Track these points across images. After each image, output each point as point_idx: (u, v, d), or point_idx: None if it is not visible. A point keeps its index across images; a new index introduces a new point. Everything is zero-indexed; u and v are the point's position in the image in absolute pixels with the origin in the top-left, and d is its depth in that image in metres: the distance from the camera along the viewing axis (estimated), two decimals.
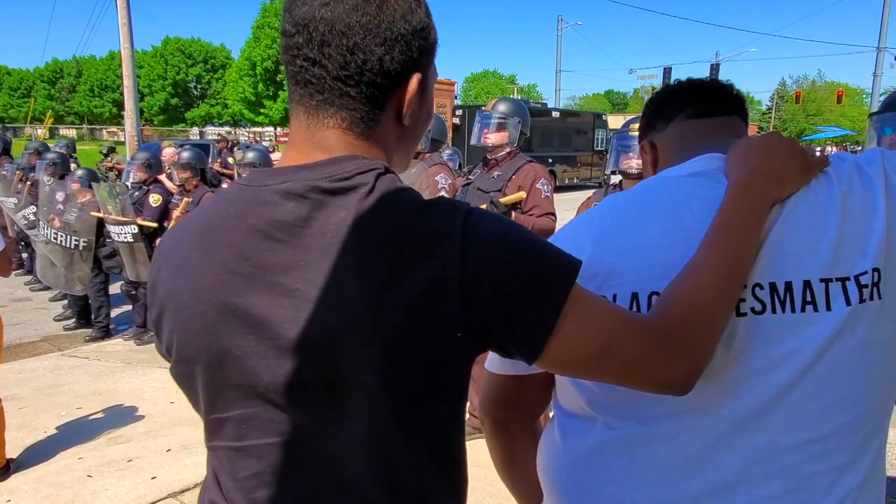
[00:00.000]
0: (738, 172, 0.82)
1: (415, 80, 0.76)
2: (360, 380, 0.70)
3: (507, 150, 3.19)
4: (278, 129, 40.58)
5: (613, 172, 2.80)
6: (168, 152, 7.73)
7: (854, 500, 0.81)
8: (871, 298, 0.79)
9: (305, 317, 0.69)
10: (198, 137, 38.92)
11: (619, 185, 2.85)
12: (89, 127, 46.51)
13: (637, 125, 2.72)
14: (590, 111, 29.73)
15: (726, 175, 0.84)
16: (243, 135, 39.01)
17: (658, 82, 39.53)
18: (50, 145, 8.71)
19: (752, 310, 0.79)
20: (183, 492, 3.09)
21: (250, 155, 4.99)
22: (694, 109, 1.00)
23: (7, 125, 38.04)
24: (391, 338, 0.68)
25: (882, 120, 2.20)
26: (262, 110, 37.72)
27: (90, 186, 5.81)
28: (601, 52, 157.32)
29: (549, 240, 0.82)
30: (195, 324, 0.75)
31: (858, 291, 0.79)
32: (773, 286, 0.79)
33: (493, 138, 3.17)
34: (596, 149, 23.69)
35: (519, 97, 40.12)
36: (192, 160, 5.33)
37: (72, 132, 46.87)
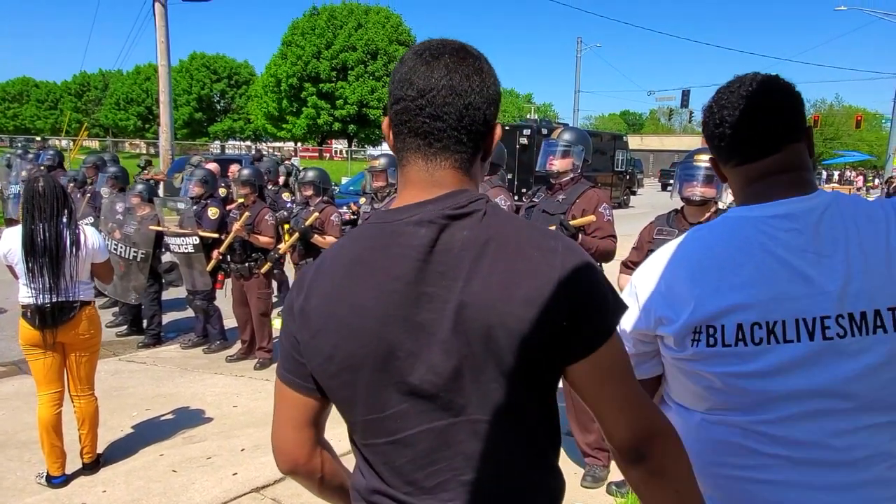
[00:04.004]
0: None
1: (498, 128, 1.01)
2: (494, 363, 0.90)
3: (571, 175, 3.43)
4: (299, 143, 41.23)
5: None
6: (213, 167, 8.05)
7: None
8: None
9: (447, 315, 0.90)
10: (219, 151, 39.61)
11: (681, 211, 3.06)
12: (113, 140, 47.41)
13: (700, 156, 2.96)
14: (610, 132, 29.96)
15: None
16: (265, 149, 39.71)
17: (676, 104, 39.72)
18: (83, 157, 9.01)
19: (838, 335, 1.04)
20: (265, 487, 3.32)
21: (310, 174, 5.27)
22: (742, 157, 1.16)
23: (32, 136, 38.98)
24: (516, 325, 0.88)
25: None
26: (284, 125, 38.33)
27: (150, 200, 6.12)
28: (619, 73, 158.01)
29: (661, 267, 1.13)
30: (361, 337, 0.92)
31: None
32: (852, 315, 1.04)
33: (558, 165, 3.41)
34: (616, 169, 23.87)
35: (536, 117, 40.45)
36: (252, 177, 5.62)
37: (95, 143, 47.86)
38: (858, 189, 33.65)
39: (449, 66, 0.94)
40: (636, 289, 1.19)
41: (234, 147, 48.50)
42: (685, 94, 38.73)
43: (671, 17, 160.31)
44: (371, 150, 41.87)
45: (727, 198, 3.16)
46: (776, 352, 1.05)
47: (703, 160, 2.93)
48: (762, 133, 1.12)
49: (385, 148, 41.29)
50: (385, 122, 1.03)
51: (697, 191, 2.92)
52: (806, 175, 1.14)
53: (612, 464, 3.57)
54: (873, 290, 1.03)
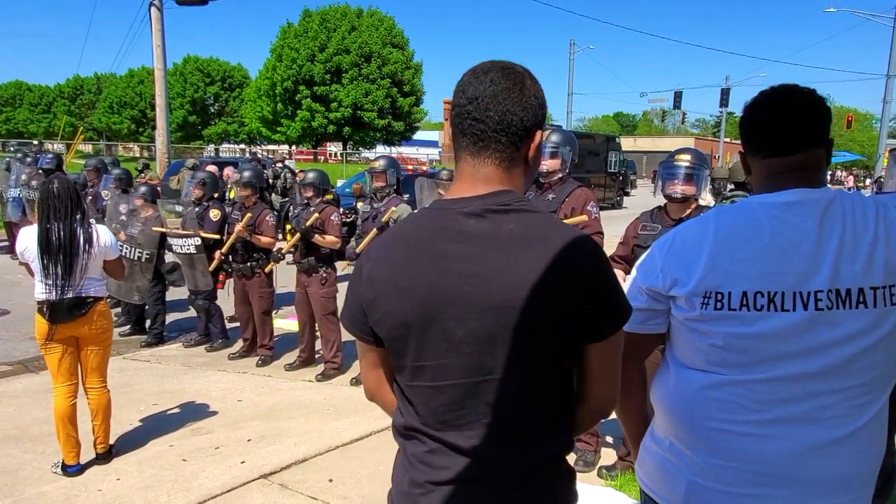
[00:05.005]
0: None
1: (538, 134, 1.19)
2: (525, 332, 1.09)
3: (560, 175, 3.62)
4: (293, 146, 41.36)
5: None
6: (213, 169, 8.21)
7: (872, 424, 1.27)
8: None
9: (491, 290, 1.10)
10: (213, 154, 39.68)
11: (664, 207, 3.24)
12: (107, 143, 47.36)
13: (681, 156, 3.14)
14: (603, 134, 30.22)
15: None
16: (258, 151, 39.74)
17: (669, 105, 40.04)
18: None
19: (827, 307, 1.22)
20: (272, 473, 3.49)
21: (310, 176, 5.44)
22: (770, 151, 1.35)
23: (26, 140, 38.92)
24: (548, 301, 1.09)
25: None
26: (279, 128, 38.46)
27: (154, 202, 6.27)
28: (612, 75, 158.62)
29: (682, 237, 1.33)
30: (413, 299, 1.13)
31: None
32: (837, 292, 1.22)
33: (547, 165, 3.59)
34: (609, 171, 24.10)
35: None
36: (252, 179, 5.78)
37: (89, 147, 47.81)
38: (849, 189, 33.97)
39: (494, 80, 1.14)
40: (659, 252, 1.37)
41: (228, 150, 48.51)
42: (677, 96, 39.05)
43: (663, 19, 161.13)
44: (366, 153, 41.97)
45: (707, 196, 3.35)
46: (774, 318, 1.23)
47: (684, 160, 3.12)
48: (793, 134, 1.32)
49: (381, 150, 41.28)
50: (446, 125, 1.24)
51: (678, 188, 3.11)
52: (820, 175, 1.33)
53: (603, 449, 3.75)
54: (859, 271, 1.22)
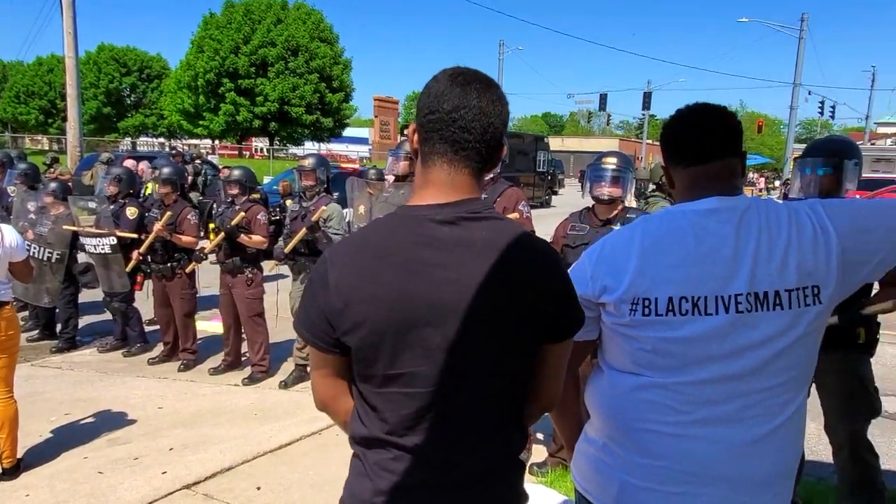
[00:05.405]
0: None
1: (505, 146, 1.25)
2: (500, 335, 1.14)
3: (491, 175, 3.64)
4: (217, 141, 39.99)
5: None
6: (131, 164, 7.82)
7: (790, 422, 1.33)
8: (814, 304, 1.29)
9: (467, 297, 1.11)
10: (129, 148, 37.84)
11: (592, 209, 3.33)
12: (13, 135, 44.26)
13: (608, 159, 3.23)
14: (532, 133, 30.79)
15: None
16: (178, 145, 38.14)
17: (595, 107, 41.33)
18: None
19: (746, 310, 1.27)
20: (196, 483, 3.35)
21: (236, 173, 5.26)
22: (690, 161, 1.42)
23: None
24: (522, 305, 1.13)
25: (802, 163, 2.79)
26: (201, 122, 37.09)
27: (64, 199, 5.90)
28: (540, 76, 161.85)
29: (611, 246, 1.35)
30: (388, 307, 1.12)
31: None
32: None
33: None
34: (538, 170, 24.58)
35: None
36: (173, 176, 5.54)
37: None
38: (760, 190, 35.99)
39: (479, 91, 1.17)
40: (589, 261, 1.41)
41: (146, 144, 46.36)
42: (603, 98, 40.33)
43: (589, 24, 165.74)
44: (294, 150, 41.07)
45: (632, 198, 3.46)
46: (699, 322, 1.28)
47: (611, 163, 3.21)
48: (709, 143, 1.40)
49: (309, 147, 40.54)
50: (411, 128, 1.24)
51: (605, 190, 3.20)
52: (736, 182, 1.40)
53: (534, 446, 3.81)
54: (775, 274, 1.28)
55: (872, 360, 2.78)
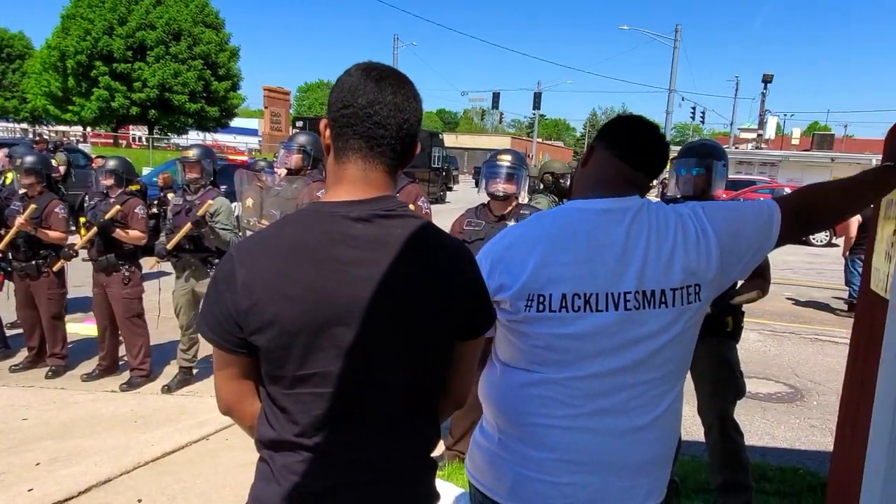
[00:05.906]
0: None
1: (418, 144, 1.23)
2: (416, 333, 1.14)
3: None
4: (89, 128, 37.09)
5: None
6: None
7: (669, 411, 1.42)
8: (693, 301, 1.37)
9: (382, 295, 1.09)
10: None
11: (488, 205, 3.39)
12: None
13: (503, 156, 3.30)
14: (426, 129, 30.87)
15: None
16: (46, 132, 34.95)
17: (488, 105, 42.22)
18: None
19: (634, 307, 1.33)
20: (68, 500, 3.08)
21: (112, 163, 4.88)
22: (621, 151, 1.44)
23: None
24: (438, 303, 1.14)
25: (678, 164, 2.99)
26: (70, 107, 34.27)
27: None
28: (435, 73, 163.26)
29: (507, 243, 1.38)
30: (302, 306, 1.08)
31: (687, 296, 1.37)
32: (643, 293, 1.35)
33: None
34: (433, 166, 24.76)
35: None
36: (37, 165, 5.05)
37: None
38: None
39: (394, 87, 1.15)
40: (485, 259, 1.41)
41: (6, 130, 42.17)
42: (496, 97, 41.26)
43: (482, 23, 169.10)
44: (176, 139, 38.84)
45: (526, 195, 3.56)
46: (590, 319, 1.32)
47: (506, 160, 3.28)
48: (647, 156, 1.45)
49: (193, 137, 38.56)
50: (323, 123, 1.19)
51: (500, 187, 3.27)
52: (635, 191, 1.44)
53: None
54: (661, 274, 1.34)
55: (738, 346, 3.04)
